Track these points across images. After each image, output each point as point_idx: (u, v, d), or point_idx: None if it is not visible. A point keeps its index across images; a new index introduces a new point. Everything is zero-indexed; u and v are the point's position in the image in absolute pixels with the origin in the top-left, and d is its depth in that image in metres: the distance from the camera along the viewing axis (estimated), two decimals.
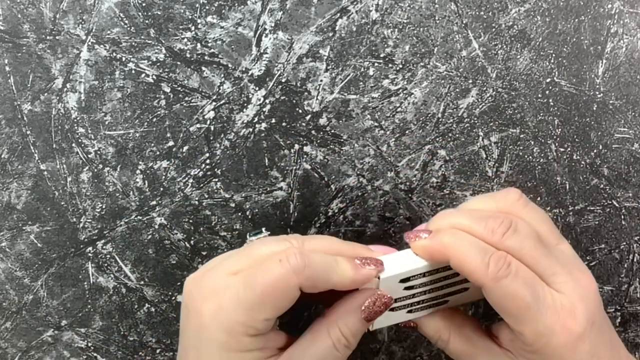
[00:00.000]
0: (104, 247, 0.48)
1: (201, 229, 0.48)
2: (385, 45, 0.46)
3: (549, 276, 0.37)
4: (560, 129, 0.47)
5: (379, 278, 0.38)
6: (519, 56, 0.46)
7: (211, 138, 0.47)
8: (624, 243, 0.49)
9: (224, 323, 0.35)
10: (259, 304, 0.35)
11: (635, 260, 0.50)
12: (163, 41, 0.46)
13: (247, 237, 0.40)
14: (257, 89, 0.47)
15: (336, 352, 0.37)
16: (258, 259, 0.37)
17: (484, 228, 0.37)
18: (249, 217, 0.48)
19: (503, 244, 0.37)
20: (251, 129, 0.47)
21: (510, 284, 0.36)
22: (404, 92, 0.47)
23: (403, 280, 0.39)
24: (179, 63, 0.46)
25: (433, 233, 0.38)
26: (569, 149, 0.47)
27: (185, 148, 0.47)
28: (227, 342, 0.35)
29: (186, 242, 0.48)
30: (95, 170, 0.47)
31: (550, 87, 0.47)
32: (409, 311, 0.41)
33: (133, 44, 0.46)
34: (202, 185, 0.48)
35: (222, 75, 0.47)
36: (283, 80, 0.47)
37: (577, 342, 0.36)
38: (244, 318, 0.35)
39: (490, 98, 0.47)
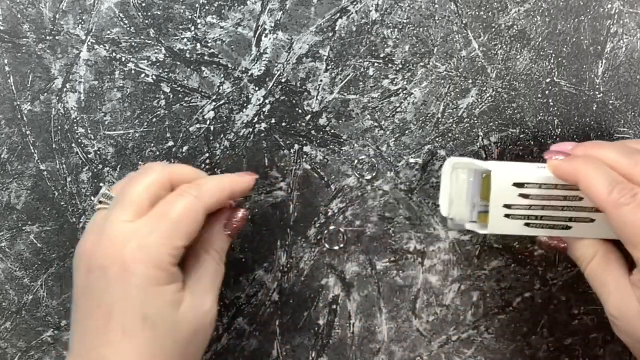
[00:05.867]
0: None
1: None
2: (385, 46, 0.46)
3: None
4: (560, 129, 0.47)
5: (488, 174, 0.41)
6: (519, 56, 0.46)
7: (211, 138, 0.47)
8: None
9: (152, 257, 0.37)
10: (176, 231, 0.38)
11: None
12: (163, 41, 0.46)
13: (95, 201, 0.41)
14: (257, 89, 0.47)
15: (220, 267, 0.41)
16: (144, 199, 0.39)
17: (629, 160, 0.39)
18: (249, 217, 0.48)
19: None
20: (251, 129, 0.47)
21: (630, 211, 0.37)
22: (404, 92, 0.47)
23: (517, 185, 0.40)
24: (179, 63, 0.46)
25: (570, 157, 0.40)
26: None
27: (185, 148, 0.47)
28: (157, 275, 0.37)
29: None
30: (95, 170, 0.47)
31: (550, 87, 0.47)
32: (527, 224, 0.41)
33: (133, 44, 0.46)
34: None
35: (222, 76, 0.47)
36: (283, 81, 0.47)
37: None
38: (167, 248, 0.38)
39: (490, 98, 0.47)
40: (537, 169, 0.41)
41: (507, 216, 0.41)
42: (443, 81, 0.47)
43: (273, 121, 0.47)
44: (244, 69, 0.47)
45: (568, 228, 0.42)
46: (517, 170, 0.41)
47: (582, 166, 0.39)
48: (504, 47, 0.46)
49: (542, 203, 0.41)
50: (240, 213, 0.42)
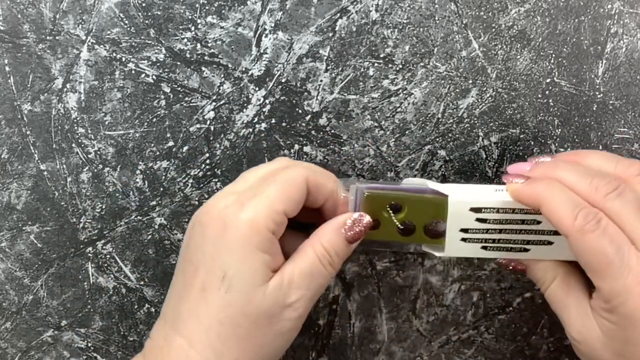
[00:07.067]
0: (104, 247, 0.48)
1: None
2: (385, 46, 0.46)
3: None
4: (560, 129, 0.47)
5: (446, 197, 0.40)
6: (519, 56, 0.47)
7: (211, 138, 0.47)
8: None
9: (248, 216, 0.37)
10: (276, 195, 0.38)
11: None
12: (163, 41, 0.46)
13: None
14: (257, 89, 0.47)
15: (322, 267, 0.39)
16: (259, 177, 0.40)
17: (589, 185, 0.38)
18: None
19: (603, 204, 0.37)
20: (251, 129, 0.47)
21: (595, 239, 0.36)
22: (404, 92, 0.47)
23: (474, 210, 0.40)
24: (179, 63, 0.46)
25: (530, 180, 0.39)
26: (569, 149, 0.47)
27: (185, 148, 0.47)
28: (251, 236, 0.37)
29: None
30: (95, 170, 0.47)
31: (550, 87, 0.47)
32: (484, 247, 0.41)
33: (133, 44, 0.46)
34: (202, 185, 0.48)
35: (222, 76, 0.47)
36: (283, 81, 0.47)
37: None
38: (266, 209, 0.38)
39: (490, 98, 0.47)
40: (495, 192, 0.40)
41: (464, 240, 0.41)
42: (443, 81, 0.47)
43: (273, 121, 0.47)
44: (244, 69, 0.47)
45: (526, 250, 0.41)
46: (474, 194, 0.40)
47: (544, 190, 0.38)
48: (504, 47, 0.46)
49: (499, 227, 0.40)
50: (365, 219, 0.40)
